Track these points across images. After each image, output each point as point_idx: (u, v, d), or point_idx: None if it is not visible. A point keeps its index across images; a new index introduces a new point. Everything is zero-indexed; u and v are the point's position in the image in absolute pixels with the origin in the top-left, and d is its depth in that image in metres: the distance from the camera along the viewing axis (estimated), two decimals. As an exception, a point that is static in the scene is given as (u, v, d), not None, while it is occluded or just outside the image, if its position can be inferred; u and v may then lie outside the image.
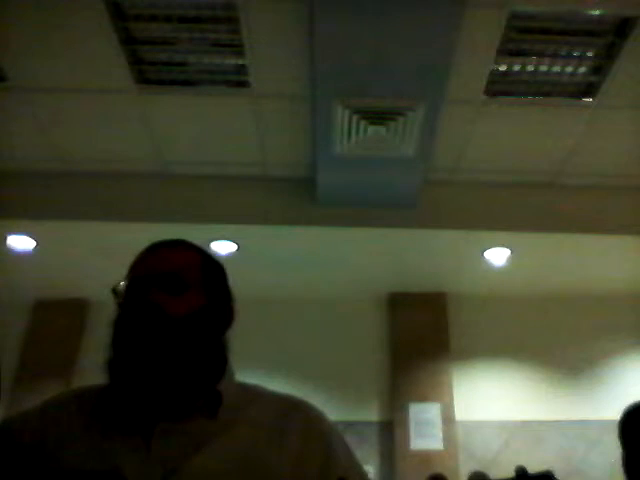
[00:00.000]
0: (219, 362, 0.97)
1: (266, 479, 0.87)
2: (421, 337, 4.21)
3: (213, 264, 1.05)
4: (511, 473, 0.55)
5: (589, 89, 2.93)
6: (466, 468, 3.88)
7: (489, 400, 4.13)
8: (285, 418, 0.96)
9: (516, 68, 2.82)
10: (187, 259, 1.01)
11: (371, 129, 2.84)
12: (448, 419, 3.96)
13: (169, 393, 0.89)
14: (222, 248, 3.62)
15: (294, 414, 0.97)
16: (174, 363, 0.89)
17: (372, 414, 4.11)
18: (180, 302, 0.93)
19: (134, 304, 0.92)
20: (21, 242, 3.55)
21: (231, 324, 1.02)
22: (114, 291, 0.97)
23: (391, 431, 3.98)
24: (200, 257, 1.04)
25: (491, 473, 3.89)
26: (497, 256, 3.79)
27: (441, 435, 3.91)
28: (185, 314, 0.92)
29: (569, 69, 2.81)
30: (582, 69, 2.81)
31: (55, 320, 4.29)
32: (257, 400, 0.99)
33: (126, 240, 3.61)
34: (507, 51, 2.71)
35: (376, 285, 4.28)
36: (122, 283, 0.97)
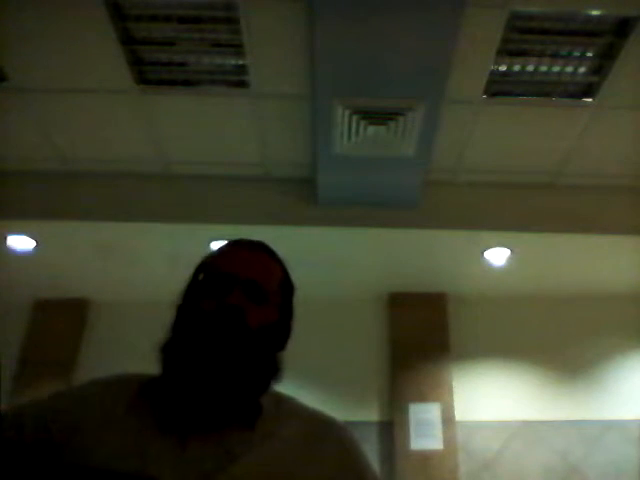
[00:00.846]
0: (271, 377, 0.97)
1: None
2: (421, 337, 4.21)
3: (290, 282, 1.07)
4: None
5: (589, 89, 2.93)
6: (466, 468, 3.88)
7: (489, 400, 4.13)
8: (320, 437, 0.96)
9: (516, 68, 2.82)
10: (272, 270, 1.01)
11: (371, 129, 2.84)
12: (448, 419, 3.96)
13: (217, 399, 0.88)
14: (222, 248, 3.62)
15: (329, 434, 0.98)
16: (234, 371, 0.88)
17: (372, 414, 4.10)
18: (258, 312, 0.93)
19: (215, 301, 0.91)
20: (21, 242, 3.54)
21: (287, 344, 1.03)
22: (197, 273, 0.95)
23: (391, 431, 3.98)
24: (282, 271, 1.04)
25: (491, 473, 3.89)
26: (497, 256, 3.79)
27: (441, 435, 3.90)
28: (258, 326, 0.92)
29: (569, 69, 2.81)
30: (582, 69, 2.81)
31: (55, 320, 4.28)
32: (294, 415, 0.98)
33: (126, 240, 3.63)
34: (507, 51, 2.71)
35: (376, 285, 4.28)
36: (203, 273, 0.96)
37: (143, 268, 3.88)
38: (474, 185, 3.57)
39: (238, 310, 0.90)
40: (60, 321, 4.28)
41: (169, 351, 0.91)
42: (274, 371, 0.97)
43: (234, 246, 1.03)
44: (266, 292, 0.95)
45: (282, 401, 1.00)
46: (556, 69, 2.81)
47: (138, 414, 0.89)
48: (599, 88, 2.89)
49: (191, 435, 0.86)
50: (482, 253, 3.76)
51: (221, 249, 1.03)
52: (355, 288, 4.29)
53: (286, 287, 1.04)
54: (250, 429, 0.90)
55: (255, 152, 3.38)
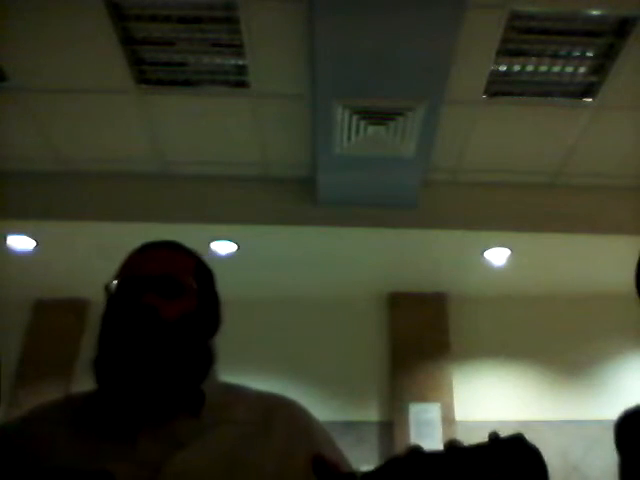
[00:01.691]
0: (204, 365, 0.98)
1: (250, 476, 0.87)
2: (421, 337, 4.21)
3: (205, 269, 1.06)
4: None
5: (589, 89, 2.93)
6: (466, 468, 3.88)
7: (489, 400, 4.13)
8: (268, 416, 0.97)
9: (516, 68, 2.82)
10: (182, 263, 1.01)
11: (371, 129, 2.84)
12: (448, 419, 3.96)
13: (154, 395, 0.89)
14: (222, 248, 3.62)
15: (277, 411, 0.98)
16: (161, 365, 0.90)
17: (372, 414, 4.10)
18: (173, 306, 0.94)
19: (128, 305, 0.92)
20: (21, 242, 3.54)
21: (218, 329, 1.03)
22: (107, 288, 0.97)
23: (391, 431, 3.98)
24: (194, 262, 1.04)
25: (491, 473, 3.89)
26: (497, 256, 3.78)
27: (441, 435, 3.90)
28: (177, 318, 0.93)
29: (569, 69, 2.81)
30: (582, 69, 2.81)
31: (55, 320, 4.28)
32: (240, 399, 1.00)
33: (126, 240, 3.62)
34: (507, 51, 2.71)
35: (376, 285, 4.28)
36: (115, 282, 0.97)
37: (143, 268, 3.87)
38: (474, 185, 3.57)
39: (151, 308, 0.91)
40: (60, 321, 4.28)
41: (98, 365, 0.93)
42: (206, 357, 0.98)
43: (141, 250, 1.04)
44: (178, 284, 0.96)
45: (230, 388, 1.02)
46: (556, 69, 2.81)
47: (85, 425, 0.90)
48: (599, 88, 2.89)
49: (139, 433, 0.88)
50: (482, 253, 3.76)
51: (130, 254, 1.05)
52: (355, 288, 4.29)
53: (201, 274, 1.03)
54: (197, 417, 0.91)
55: (255, 152, 3.38)
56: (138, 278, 0.95)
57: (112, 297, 0.96)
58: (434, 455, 0.57)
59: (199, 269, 1.04)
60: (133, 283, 0.95)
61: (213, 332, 1.02)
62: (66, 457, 0.86)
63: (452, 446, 0.58)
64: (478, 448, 0.55)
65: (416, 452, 0.57)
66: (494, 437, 0.56)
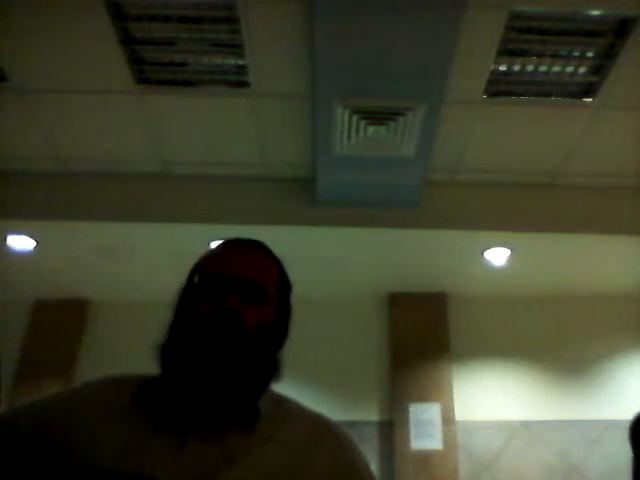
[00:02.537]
0: (268, 380, 0.97)
1: None
2: (421, 337, 4.21)
3: (287, 281, 1.05)
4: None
5: (589, 89, 2.93)
6: (466, 468, 3.88)
7: (489, 400, 4.13)
8: (317, 440, 0.95)
9: (516, 68, 2.82)
10: (268, 270, 1.00)
11: (371, 129, 2.84)
12: (448, 419, 3.96)
13: (216, 400, 0.88)
14: (222, 248, 3.62)
15: (325, 437, 0.97)
16: (233, 372, 0.88)
17: (372, 414, 4.10)
18: (255, 312, 0.92)
19: (211, 303, 0.91)
20: (21, 242, 3.54)
21: (285, 343, 1.02)
22: (190, 279, 0.96)
23: (391, 431, 3.98)
24: (279, 271, 1.03)
25: (491, 473, 3.89)
26: (497, 256, 3.79)
27: (441, 435, 3.91)
28: (255, 326, 0.92)
29: (569, 69, 2.81)
30: (582, 69, 2.81)
31: (55, 320, 4.29)
32: (291, 418, 0.98)
33: (126, 240, 3.63)
34: (507, 51, 2.71)
35: (376, 285, 4.28)
36: (198, 275, 0.96)
37: (143, 268, 3.88)
38: (474, 185, 3.57)
39: (233, 312, 0.90)
40: (60, 321, 4.29)
41: (167, 353, 0.91)
42: (273, 371, 0.97)
43: (229, 246, 1.02)
44: (262, 292, 0.95)
45: (281, 403, 1.00)
46: (556, 69, 2.81)
47: (136, 414, 0.89)
48: (599, 88, 2.89)
49: (189, 436, 0.86)
50: (482, 253, 3.76)
51: (216, 249, 1.03)
52: (355, 288, 4.29)
53: (283, 286, 1.03)
54: (249, 432, 0.90)
55: (255, 152, 3.38)
56: (223, 276, 0.94)
57: (194, 289, 0.95)
58: None
59: (283, 281, 1.03)
60: (218, 281, 0.93)
61: (281, 345, 1.01)
62: (111, 450, 0.84)
63: None
64: None
65: None
66: None
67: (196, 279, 0.96)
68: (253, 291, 0.94)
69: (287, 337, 1.03)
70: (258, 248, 1.04)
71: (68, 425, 0.88)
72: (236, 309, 0.90)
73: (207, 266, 0.98)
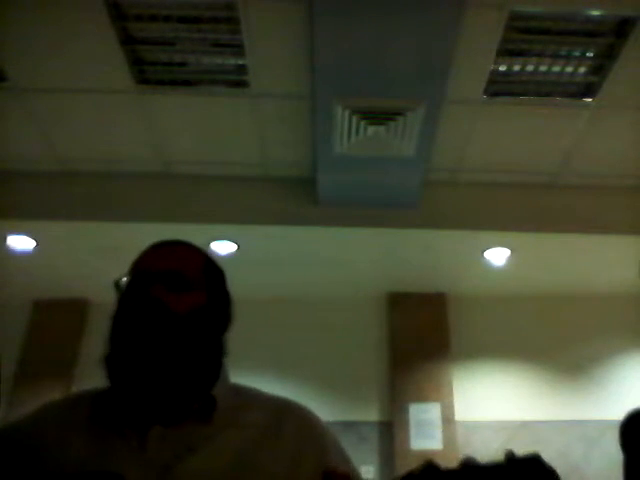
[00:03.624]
0: (216, 365, 0.98)
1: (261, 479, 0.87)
2: (421, 337, 4.21)
3: (214, 267, 1.06)
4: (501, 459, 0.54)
5: (589, 89, 2.93)
6: (466, 468, 3.88)
7: (489, 400, 4.13)
8: (279, 420, 0.96)
9: (516, 68, 2.82)
10: (190, 259, 1.01)
11: (371, 129, 2.84)
12: (448, 419, 3.96)
13: (166, 393, 0.89)
14: (222, 248, 3.62)
15: (287, 416, 0.98)
16: (173, 360, 0.89)
17: (372, 414, 4.10)
18: (182, 299, 0.93)
19: (136, 298, 0.92)
20: (21, 242, 3.54)
21: (229, 327, 1.03)
22: (117, 285, 0.97)
23: (391, 431, 3.98)
24: (203, 258, 1.05)
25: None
26: (497, 256, 3.79)
27: (441, 435, 3.91)
28: (186, 312, 0.92)
29: (569, 69, 2.81)
30: (582, 69, 2.81)
31: (55, 320, 4.29)
32: (251, 402, 0.99)
33: (126, 240, 3.62)
34: (507, 51, 2.71)
35: (376, 285, 4.28)
36: (125, 278, 0.97)
37: (143, 268, 3.87)
38: (474, 185, 3.57)
39: (158, 300, 0.91)
40: (60, 321, 4.29)
41: (110, 362, 0.92)
42: (217, 353, 0.98)
43: (150, 249, 1.04)
44: (187, 279, 0.96)
45: (240, 391, 1.01)
46: (556, 69, 2.81)
47: (95, 423, 0.90)
48: (599, 88, 2.89)
49: (149, 433, 0.88)
50: (482, 253, 3.76)
51: (138, 256, 1.04)
52: (355, 288, 4.29)
53: (210, 272, 1.03)
54: (207, 422, 0.91)
55: (255, 152, 3.38)
56: (146, 273, 0.95)
57: (122, 293, 0.96)
58: (449, 473, 0.56)
59: (208, 266, 1.04)
60: (141, 277, 0.95)
61: (223, 329, 1.02)
62: (76, 457, 0.86)
63: (468, 464, 0.58)
64: (494, 467, 0.55)
65: (431, 468, 0.57)
66: (510, 456, 0.55)
67: (122, 284, 0.97)
68: (176, 279, 0.94)
69: (229, 322, 1.03)
70: (177, 244, 1.05)
71: (30, 447, 0.89)
72: (159, 297, 0.91)
73: (132, 270, 1.00)
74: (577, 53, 2.72)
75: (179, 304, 0.92)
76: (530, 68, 2.81)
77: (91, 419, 0.91)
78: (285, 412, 0.99)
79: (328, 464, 0.91)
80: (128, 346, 0.90)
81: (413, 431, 3.93)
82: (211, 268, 1.04)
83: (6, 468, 0.87)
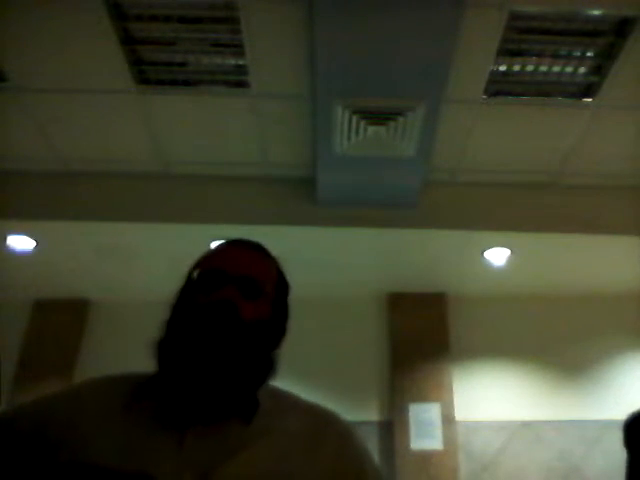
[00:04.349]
0: (266, 374, 0.97)
1: None
2: (421, 337, 4.21)
3: (285, 281, 1.06)
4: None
5: (589, 89, 2.93)
6: (466, 468, 3.88)
7: (489, 400, 4.13)
8: (320, 431, 0.95)
9: (516, 68, 2.82)
10: (266, 268, 1.01)
11: (371, 129, 2.84)
12: (448, 419, 3.96)
13: (213, 392, 0.87)
14: (222, 248, 3.62)
15: (328, 428, 0.97)
16: (228, 363, 0.88)
17: (372, 414, 4.10)
18: (252, 306, 0.93)
19: (209, 295, 0.91)
20: (21, 242, 3.54)
21: (283, 341, 1.03)
22: (189, 276, 0.97)
23: (391, 431, 3.98)
24: (276, 271, 1.04)
25: (491, 473, 3.89)
26: (497, 256, 3.79)
27: (441, 435, 3.90)
28: (253, 320, 0.92)
29: (569, 69, 2.81)
30: (582, 69, 2.81)
31: (55, 320, 4.29)
32: (291, 409, 0.98)
33: (126, 240, 3.63)
34: (507, 51, 2.71)
35: (376, 285, 4.28)
36: (197, 271, 0.96)
37: (143, 268, 3.88)
38: (474, 185, 3.57)
39: (229, 304, 0.90)
40: (60, 321, 4.29)
41: (163, 348, 0.91)
42: (269, 366, 0.97)
43: (229, 245, 1.04)
44: (259, 288, 0.95)
45: (279, 396, 1.00)
46: (556, 69, 2.81)
47: (134, 412, 0.88)
48: (599, 88, 2.89)
49: (188, 431, 0.86)
50: (482, 253, 3.76)
51: (216, 248, 1.04)
52: (355, 288, 4.29)
53: (281, 286, 1.04)
54: (247, 425, 0.89)
55: (255, 152, 3.38)
56: (221, 272, 0.94)
57: (192, 285, 0.95)
58: None
59: (280, 280, 1.04)
60: (215, 276, 0.94)
61: (279, 343, 1.02)
62: (111, 448, 0.84)
63: None
64: None
65: None
66: None
67: (195, 275, 0.96)
68: (250, 286, 0.94)
69: (284, 336, 1.03)
70: (257, 248, 1.05)
71: (65, 424, 0.88)
72: (232, 300, 0.90)
73: (205, 263, 0.99)
74: (577, 53, 2.72)
75: (247, 310, 0.92)
76: (530, 68, 2.81)
77: (130, 407, 0.89)
78: (326, 423, 0.98)
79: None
80: (186, 337, 0.89)
81: (413, 431, 3.93)
82: (282, 283, 1.05)
83: (35, 446, 0.85)
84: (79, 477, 0.81)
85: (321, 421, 0.98)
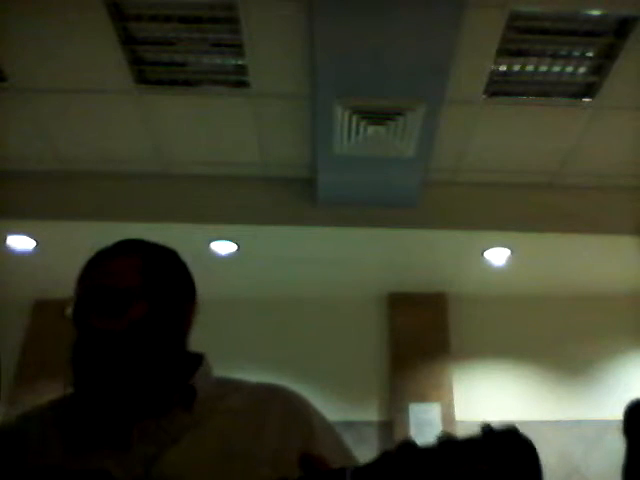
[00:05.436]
0: (183, 361, 0.97)
1: (247, 464, 0.86)
2: (421, 337, 4.21)
3: (156, 264, 1.01)
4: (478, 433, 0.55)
5: (589, 89, 2.93)
6: (466, 468, 3.88)
7: (489, 400, 4.13)
8: (263, 404, 0.95)
9: (516, 68, 2.82)
10: (125, 269, 0.98)
11: (371, 129, 2.84)
12: (448, 419, 3.96)
13: (135, 404, 0.89)
14: (222, 248, 3.62)
15: (273, 400, 0.97)
16: (126, 376, 0.89)
17: (372, 414, 4.10)
18: (121, 321, 0.92)
19: (79, 332, 0.93)
20: (21, 242, 3.54)
21: (188, 320, 1.01)
22: (66, 317, 0.98)
23: (391, 431, 3.98)
24: (141, 261, 1.00)
25: (491, 473, 3.89)
26: (497, 256, 3.79)
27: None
28: (125, 328, 0.91)
29: (569, 69, 2.81)
30: (582, 69, 2.81)
31: (55, 320, 4.27)
32: (235, 390, 0.98)
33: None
34: (507, 51, 2.71)
35: (376, 285, 4.28)
36: (69, 309, 0.97)
37: (143, 268, 3.87)
38: (474, 185, 3.57)
39: (95, 331, 0.91)
40: (60, 321, 4.26)
41: (74, 384, 0.93)
42: (175, 353, 0.96)
43: (88, 265, 1.05)
44: (123, 297, 0.93)
45: (226, 381, 1.01)
46: (556, 69, 2.81)
47: (76, 425, 0.90)
48: (599, 88, 2.89)
49: (131, 432, 0.87)
50: (482, 253, 3.76)
51: (80, 273, 1.05)
52: (355, 288, 4.29)
53: (151, 273, 0.99)
54: (188, 412, 0.90)
55: (255, 152, 3.38)
56: (83, 300, 0.95)
57: (71, 323, 0.97)
58: (426, 449, 0.57)
59: (148, 267, 0.99)
60: (80, 307, 0.95)
61: (179, 325, 0.99)
62: (59, 457, 0.85)
63: (445, 440, 0.58)
64: (470, 441, 0.55)
65: (408, 446, 0.57)
66: (487, 430, 0.55)
67: (69, 314, 0.97)
68: (112, 303, 0.93)
69: (187, 320, 1.01)
70: (113, 253, 1.04)
71: (16, 439, 0.90)
72: (98, 327, 0.91)
73: (75, 292, 1.00)
74: (577, 53, 2.72)
75: (119, 325, 0.91)
76: (530, 68, 2.81)
77: (71, 420, 0.91)
78: (270, 396, 0.98)
79: (315, 448, 0.89)
80: (86, 377, 0.91)
81: (413, 431, 3.93)
82: (151, 268, 1.00)
83: None
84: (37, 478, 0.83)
85: (265, 395, 0.98)
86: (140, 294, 0.95)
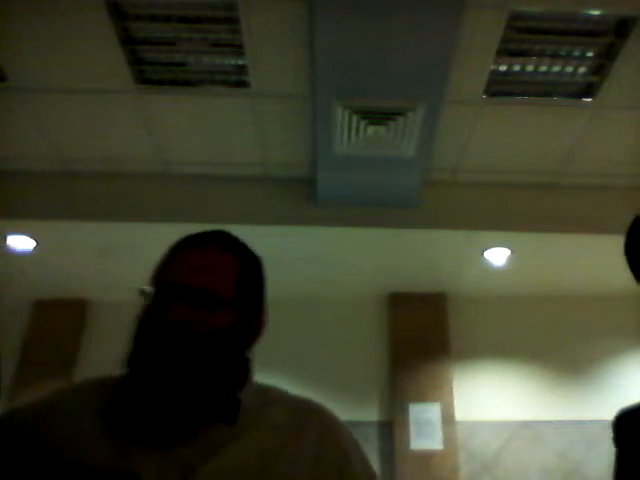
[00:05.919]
0: (241, 374, 0.96)
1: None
2: (421, 337, 4.21)
3: (251, 272, 1.00)
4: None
5: (589, 89, 2.93)
6: (466, 468, 3.88)
7: (489, 400, 4.13)
8: (302, 421, 0.95)
9: (516, 68, 2.82)
10: (223, 272, 0.95)
11: (371, 129, 2.84)
12: (448, 419, 3.96)
13: (185, 409, 0.87)
14: (222, 248, 3.62)
15: (311, 418, 0.97)
16: (192, 378, 0.87)
17: (372, 414, 4.10)
18: (208, 318, 0.90)
19: (156, 318, 0.90)
20: (21, 242, 3.54)
21: (259, 336, 1.01)
22: (142, 295, 0.94)
23: (391, 431, 3.98)
24: (238, 264, 0.98)
25: (491, 473, 3.89)
26: (497, 256, 3.79)
27: (441, 435, 3.90)
28: (211, 330, 0.90)
29: (569, 69, 2.81)
30: (582, 69, 2.81)
31: (55, 320, 4.29)
32: (273, 402, 0.98)
33: (126, 240, 3.63)
34: (507, 51, 2.71)
35: (376, 285, 4.28)
36: (149, 289, 0.93)
37: (143, 268, 3.86)
38: (474, 185, 3.57)
39: (177, 324, 0.88)
40: (60, 321, 4.29)
41: (130, 365, 0.90)
42: (240, 368, 0.96)
43: (181, 249, 0.99)
44: (213, 298, 0.91)
45: (263, 391, 1.00)
46: (556, 69, 2.81)
47: (117, 418, 0.88)
48: (599, 88, 2.89)
49: (175, 433, 0.86)
50: (482, 253, 3.76)
51: (170, 253, 0.99)
52: (355, 288, 4.29)
53: (245, 282, 0.98)
54: (232, 424, 0.90)
55: (255, 152, 3.38)
56: (170, 286, 0.92)
57: (147, 306, 0.93)
58: None
59: (243, 274, 0.98)
60: (164, 292, 0.91)
61: (252, 340, 0.99)
62: (94, 451, 0.84)
63: None
64: None
65: None
66: None
67: (147, 291, 0.94)
68: (203, 299, 0.90)
69: (257, 334, 1.00)
70: (211, 241, 0.99)
71: (38, 437, 0.87)
72: (180, 319, 0.88)
73: (158, 275, 0.96)
74: (577, 53, 2.72)
75: (204, 322, 0.89)
76: (530, 68, 2.81)
77: (113, 412, 0.88)
78: (308, 414, 0.98)
79: (349, 471, 0.93)
80: (146, 362, 0.88)
81: (413, 431, 3.93)
82: (246, 276, 0.98)
83: (19, 449, 0.85)
84: (65, 476, 0.81)
85: (303, 412, 0.98)
86: (231, 304, 0.94)
